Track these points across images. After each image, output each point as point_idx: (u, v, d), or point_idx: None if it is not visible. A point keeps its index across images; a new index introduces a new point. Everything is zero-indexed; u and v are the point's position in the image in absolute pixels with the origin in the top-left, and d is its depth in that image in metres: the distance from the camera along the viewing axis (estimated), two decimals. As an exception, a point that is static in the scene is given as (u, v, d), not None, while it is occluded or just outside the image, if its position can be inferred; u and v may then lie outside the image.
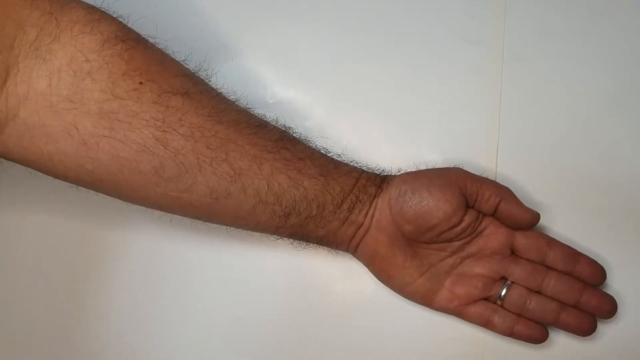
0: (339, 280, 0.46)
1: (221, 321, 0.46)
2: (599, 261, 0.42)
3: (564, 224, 0.44)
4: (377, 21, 0.47)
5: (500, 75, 0.46)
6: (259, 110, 0.41)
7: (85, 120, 0.35)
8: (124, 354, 0.45)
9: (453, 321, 0.43)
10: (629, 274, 0.44)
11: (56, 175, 0.37)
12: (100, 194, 0.39)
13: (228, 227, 0.41)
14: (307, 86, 0.47)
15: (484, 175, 0.42)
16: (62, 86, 0.34)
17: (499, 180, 0.43)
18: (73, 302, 0.46)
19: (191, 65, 0.40)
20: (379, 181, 0.41)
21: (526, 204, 0.41)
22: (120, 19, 0.37)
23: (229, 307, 0.46)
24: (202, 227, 0.45)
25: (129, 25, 0.38)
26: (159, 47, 0.39)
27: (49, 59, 0.34)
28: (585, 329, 0.41)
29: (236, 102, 0.40)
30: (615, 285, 0.43)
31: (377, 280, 0.43)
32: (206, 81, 0.40)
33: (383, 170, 0.43)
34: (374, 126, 0.46)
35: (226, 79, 0.41)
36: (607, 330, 0.43)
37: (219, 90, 0.40)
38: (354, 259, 0.44)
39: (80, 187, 0.38)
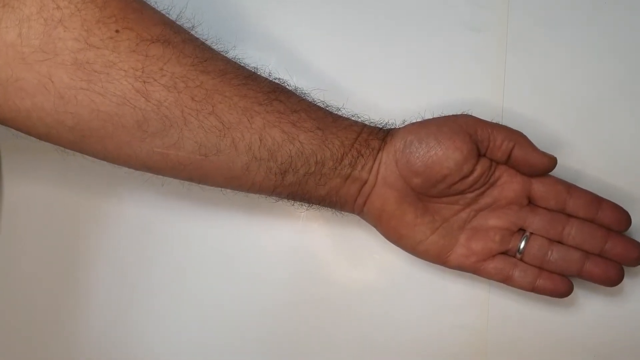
0: (341, 268, 0.45)
1: (215, 305, 0.45)
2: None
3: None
4: (380, 7, 0.46)
5: (504, 63, 0.45)
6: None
7: (61, 72, 0.33)
8: (111, 327, 0.45)
9: (457, 308, 0.44)
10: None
11: (38, 134, 0.35)
12: (87, 159, 0.37)
13: (225, 193, 0.40)
14: (309, 72, 0.46)
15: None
16: (33, 36, 0.33)
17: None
18: (61, 272, 0.46)
19: (173, 17, 0.38)
20: (383, 135, 0.39)
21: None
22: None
23: (225, 290, 0.45)
24: (199, 200, 0.43)
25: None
26: None
27: (18, 6, 0.32)
28: (612, 278, 0.39)
29: (223, 53, 0.38)
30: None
31: (380, 268, 0.42)
32: (189, 31, 0.38)
33: (387, 124, 0.41)
34: (375, 114, 0.45)
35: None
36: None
37: (203, 40, 0.38)
38: (356, 246, 0.43)
39: (67, 151, 0.37)
